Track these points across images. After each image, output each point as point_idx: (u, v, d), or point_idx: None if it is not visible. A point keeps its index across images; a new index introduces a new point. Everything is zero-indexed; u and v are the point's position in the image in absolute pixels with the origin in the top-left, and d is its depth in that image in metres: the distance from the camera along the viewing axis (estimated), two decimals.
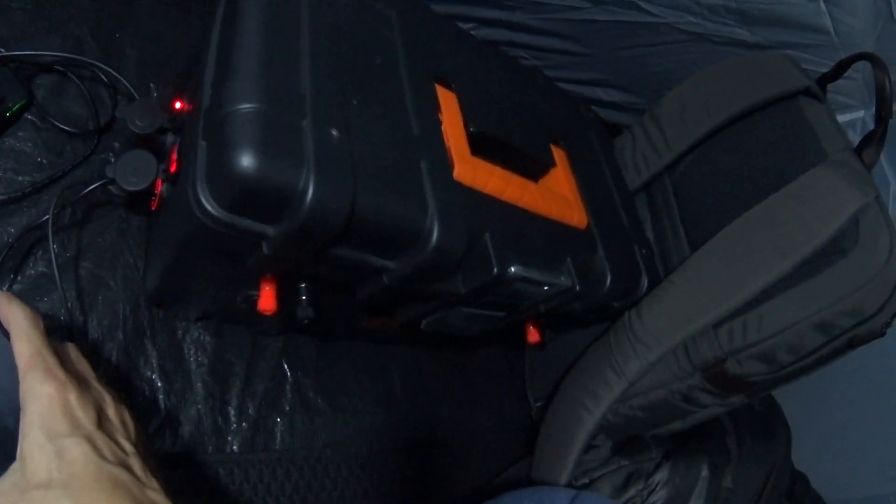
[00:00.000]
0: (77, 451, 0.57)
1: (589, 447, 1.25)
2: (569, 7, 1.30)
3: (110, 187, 0.88)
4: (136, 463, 0.63)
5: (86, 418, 0.61)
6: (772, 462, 1.47)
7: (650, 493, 1.28)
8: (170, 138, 0.90)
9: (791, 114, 1.17)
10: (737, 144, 1.23)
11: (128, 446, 0.64)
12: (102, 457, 0.58)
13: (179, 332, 1.04)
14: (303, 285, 0.86)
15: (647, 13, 1.27)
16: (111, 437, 0.63)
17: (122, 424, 0.67)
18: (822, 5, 1.17)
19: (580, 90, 1.60)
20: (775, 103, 1.19)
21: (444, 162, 0.85)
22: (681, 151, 1.28)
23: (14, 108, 0.97)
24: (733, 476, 1.35)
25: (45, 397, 0.59)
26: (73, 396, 0.60)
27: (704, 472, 1.31)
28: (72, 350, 0.71)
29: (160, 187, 0.87)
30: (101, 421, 0.63)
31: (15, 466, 0.56)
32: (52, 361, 0.62)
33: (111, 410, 0.67)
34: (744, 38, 1.28)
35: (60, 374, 0.61)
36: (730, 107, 1.23)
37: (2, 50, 0.99)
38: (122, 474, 0.59)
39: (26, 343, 0.62)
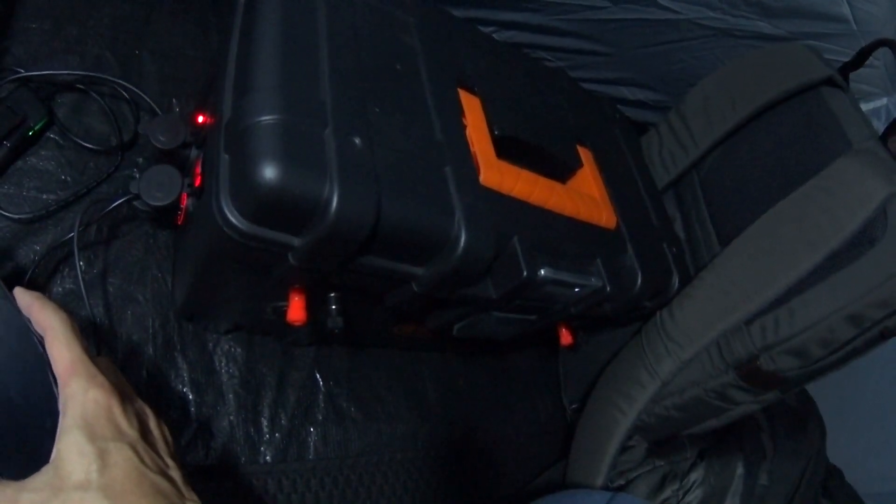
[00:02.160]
0: (120, 456, 0.56)
1: (624, 448, 1.25)
2: (589, 7, 1.30)
3: (135, 203, 0.88)
4: (176, 475, 0.62)
5: (129, 427, 0.60)
6: (807, 457, 1.46)
7: (686, 493, 1.27)
8: (193, 152, 0.90)
9: (814, 104, 1.16)
10: (762, 138, 1.22)
11: (169, 460, 0.63)
12: (145, 464, 0.58)
13: (210, 344, 1.04)
14: (332, 295, 0.86)
15: (667, 10, 1.26)
16: (153, 448, 0.62)
17: (163, 439, 0.66)
18: None
19: (605, 90, 1.60)
20: (798, 94, 1.18)
21: (469, 166, 0.85)
22: (707, 147, 1.27)
23: (36, 128, 0.98)
24: (769, 473, 1.34)
25: (90, 402, 0.58)
26: (117, 404, 0.60)
27: (740, 470, 1.30)
28: (108, 363, 0.70)
29: (185, 201, 0.87)
30: (144, 432, 0.62)
31: (48, 466, 0.55)
32: (94, 369, 0.61)
33: (152, 424, 0.66)
34: (765, 31, 1.28)
35: (105, 381, 0.60)
36: (753, 100, 1.22)
37: (21, 70, 0.99)
38: (164, 483, 0.58)
39: (66, 348, 0.61)
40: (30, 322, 0.63)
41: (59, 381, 0.60)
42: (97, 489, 0.53)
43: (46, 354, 0.61)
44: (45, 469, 0.55)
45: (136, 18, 1.18)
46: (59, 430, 0.57)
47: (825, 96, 1.16)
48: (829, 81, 1.17)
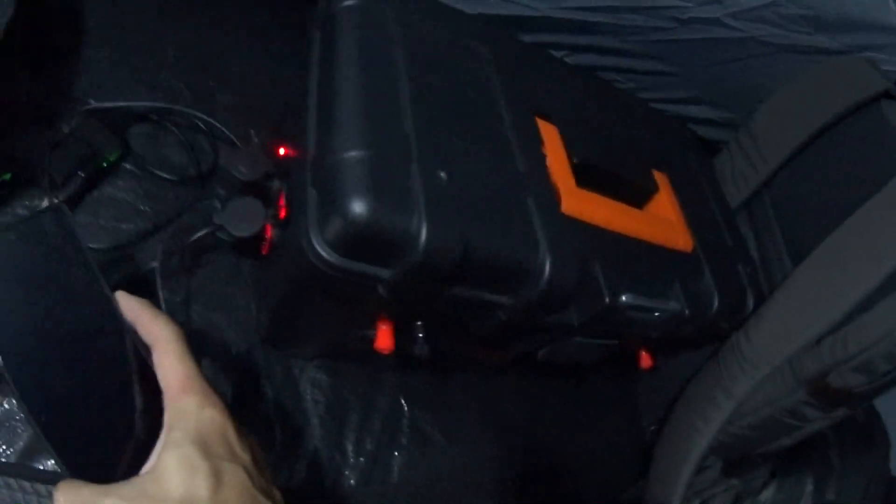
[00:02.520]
0: (234, 476, 0.56)
1: (700, 469, 1.24)
2: (657, 28, 1.30)
3: (218, 233, 0.90)
4: (280, 502, 0.62)
5: (241, 450, 0.59)
6: (872, 471, 1.45)
7: None
8: (276, 184, 0.91)
9: (874, 118, 1.15)
10: (828, 154, 1.21)
11: (274, 489, 0.63)
12: (256, 488, 0.57)
13: (295, 371, 1.05)
14: (419, 323, 0.88)
15: (731, 28, 1.26)
16: (261, 473, 0.61)
17: (266, 465, 0.65)
18: (892, 4, 1.15)
19: (675, 109, 1.59)
20: (859, 109, 1.18)
21: (550, 196, 0.86)
22: (776, 166, 1.26)
23: (110, 159, 0.99)
24: (836, 488, 1.33)
25: (206, 419, 0.57)
26: (231, 426, 0.59)
27: (809, 487, 1.30)
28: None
29: (270, 233, 0.88)
30: (253, 457, 0.61)
31: (145, 476, 0.54)
32: (208, 387, 0.60)
33: (256, 450, 0.65)
34: (825, 45, 1.26)
35: (219, 401, 0.60)
36: (816, 118, 1.21)
37: (92, 101, 1.01)
38: None
39: (179, 362, 0.59)
40: (126, 325, 0.62)
41: (168, 393, 0.58)
42: None
43: (145, 362, 0.61)
44: (139, 478, 0.55)
45: (204, 49, 1.20)
46: (164, 442, 0.56)
47: (884, 110, 1.15)
48: (887, 94, 1.16)
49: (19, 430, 0.83)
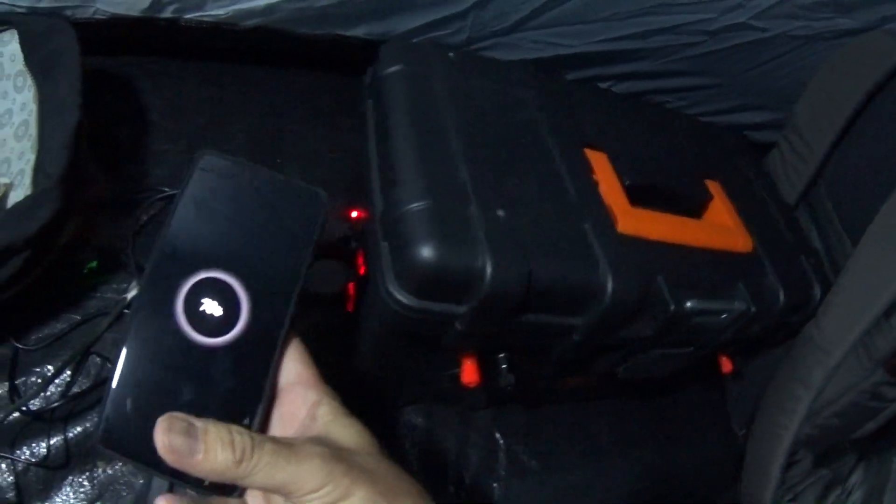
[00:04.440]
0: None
1: (791, 464, 1.25)
2: (688, 45, 1.32)
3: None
4: None
5: None
6: None
7: (848, 496, 1.26)
8: (353, 244, 0.98)
9: None
10: (870, 131, 1.22)
11: None
12: None
13: (391, 417, 1.11)
14: (501, 355, 0.93)
15: (758, 30, 1.27)
16: None
17: None
18: None
19: (728, 119, 1.59)
20: (889, 80, 1.19)
21: (606, 219, 0.91)
22: (824, 154, 1.28)
23: None
24: None
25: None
26: None
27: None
28: None
29: (353, 289, 0.95)
30: None
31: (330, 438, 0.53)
32: None
33: None
34: (849, 27, 1.27)
35: None
36: (850, 99, 1.23)
37: (166, 189, 1.09)
38: None
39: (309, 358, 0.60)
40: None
41: (313, 375, 0.59)
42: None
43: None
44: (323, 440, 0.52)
45: (268, 130, 1.27)
46: (334, 415, 0.55)
47: None
48: None
49: (123, 493, 0.90)
